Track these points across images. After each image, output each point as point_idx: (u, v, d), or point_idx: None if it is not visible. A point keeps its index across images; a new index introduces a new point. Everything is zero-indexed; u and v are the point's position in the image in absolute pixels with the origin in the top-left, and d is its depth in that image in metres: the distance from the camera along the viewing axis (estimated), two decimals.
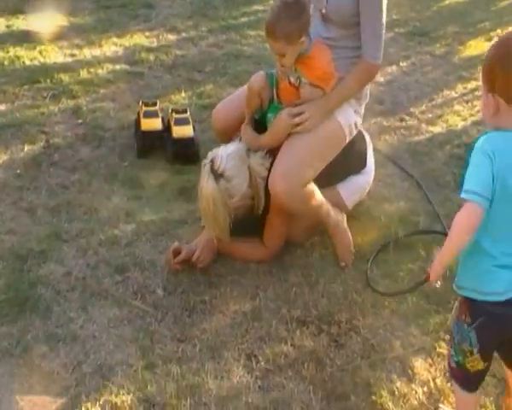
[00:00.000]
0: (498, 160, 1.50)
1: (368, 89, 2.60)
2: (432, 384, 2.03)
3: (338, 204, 2.57)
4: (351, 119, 2.49)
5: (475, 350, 1.64)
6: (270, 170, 2.35)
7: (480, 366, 1.67)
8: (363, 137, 2.70)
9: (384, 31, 2.42)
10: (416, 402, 1.97)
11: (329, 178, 2.50)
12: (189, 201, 2.76)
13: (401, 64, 4.30)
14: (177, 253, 2.37)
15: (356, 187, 2.67)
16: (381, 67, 2.53)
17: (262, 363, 2.05)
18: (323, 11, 2.41)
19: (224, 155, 2.30)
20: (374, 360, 2.10)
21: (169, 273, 2.37)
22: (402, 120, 3.61)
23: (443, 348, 2.15)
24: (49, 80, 3.58)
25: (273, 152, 2.39)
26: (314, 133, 2.37)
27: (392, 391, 1.99)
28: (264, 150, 2.39)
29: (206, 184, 2.27)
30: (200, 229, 2.52)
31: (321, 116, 2.38)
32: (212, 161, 2.29)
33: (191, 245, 2.42)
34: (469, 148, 3.53)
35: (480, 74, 1.61)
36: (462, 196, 1.52)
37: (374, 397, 1.96)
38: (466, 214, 1.52)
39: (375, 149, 2.88)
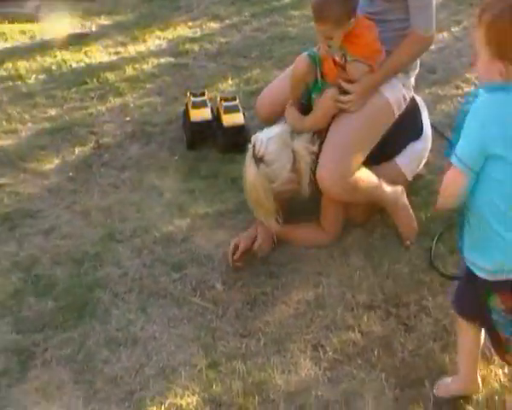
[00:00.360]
0: (493, 129, 1.37)
1: (418, 60, 2.40)
2: None
3: (397, 176, 2.40)
4: (399, 93, 2.31)
5: None
6: (316, 155, 2.20)
7: None
8: (416, 103, 2.50)
9: (434, 3, 2.23)
10: (496, 385, 1.80)
11: (386, 152, 2.35)
12: (243, 190, 2.63)
13: (452, 29, 4.03)
14: (236, 249, 2.26)
15: (413, 155, 2.47)
16: (433, 39, 2.32)
17: (330, 353, 1.93)
18: None
19: (265, 138, 2.18)
20: (447, 342, 1.93)
21: (227, 267, 2.26)
22: (458, 87, 3.37)
23: None
24: (95, 80, 3.52)
25: (320, 134, 2.24)
26: (360, 114, 2.21)
27: None
28: (310, 133, 2.24)
29: (248, 169, 2.17)
30: (256, 218, 2.41)
31: (368, 94, 2.22)
32: (254, 145, 2.17)
33: (249, 232, 2.31)
34: None
35: (480, 30, 1.40)
36: (452, 158, 1.45)
37: None
38: (451, 178, 1.47)
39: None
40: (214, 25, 4.24)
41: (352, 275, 2.20)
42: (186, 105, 3.05)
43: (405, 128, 2.38)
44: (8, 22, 4.27)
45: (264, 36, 4.04)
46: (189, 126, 2.94)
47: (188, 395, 1.80)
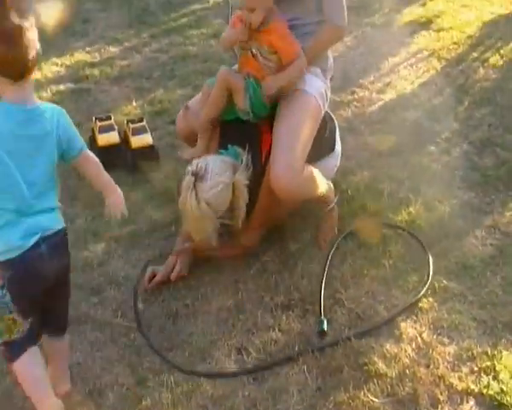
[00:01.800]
0: None
1: (332, 61, 2.60)
2: (419, 339, 2.07)
3: None
4: (321, 88, 2.49)
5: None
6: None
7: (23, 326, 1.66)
8: (331, 118, 2.70)
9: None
10: (407, 360, 2.00)
11: None
12: (155, 209, 2.72)
13: (344, 39, 4.31)
14: (151, 277, 2.32)
15: (325, 172, 2.60)
16: (345, 31, 2.54)
17: (253, 354, 2.04)
18: None
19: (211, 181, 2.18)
20: (361, 328, 2.11)
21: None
22: (353, 93, 3.64)
23: (424, 303, 2.21)
24: None
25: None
26: (294, 117, 2.36)
27: (383, 355, 2.01)
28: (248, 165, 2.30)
29: (188, 201, 2.16)
30: (169, 235, 2.50)
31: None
32: (195, 180, 2.16)
33: (167, 264, 2.35)
34: (420, 110, 3.64)
35: None
36: None
37: (366, 365, 1.97)
38: None
39: None
40: (113, 48, 4.27)
41: (269, 279, 2.33)
42: (92, 130, 3.07)
43: (321, 140, 2.53)
44: None
45: (165, 56, 4.14)
46: (97, 152, 2.95)
47: None
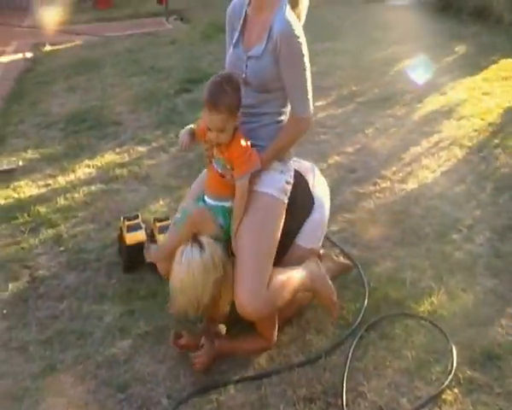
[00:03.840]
0: None
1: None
2: None
3: (307, 254, 2.61)
4: (280, 183, 2.52)
5: None
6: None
7: None
8: (300, 179, 2.67)
9: (310, 86, 2.48)
10: None
11: (286, 239, 2.54)
12: None
13: (366, 131, 4.55)
14: (178, 337, 2.47)
15: (313, 227, 2.68)
16: (311, 121, 2.53)
17: None
18: (243, 76, 2.47)
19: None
20: None
21: (172, 381, 2.43)
22: (375, 183, 3.81)
23: (448, 394, 2.25)
24: (26, 214, 3.70)
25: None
26: (255, 224, 2.43)
27: None
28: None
29: (189, 254, 2.29)
30: (197, 332, 2.61)
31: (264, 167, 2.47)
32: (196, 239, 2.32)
33: (195, 334, 2.49)
34: (442, 198, 3.78)
35: None
36: None
37: None
38: None
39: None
40: (141, 149, 4.59)
41: (292, 372, 2.41)
42: (120, 229, 3.27)
43: (297, 209, 2.58)
44: None
45: (192, 154, 4.38)
46: (125, 250, 3.15)
47: None
